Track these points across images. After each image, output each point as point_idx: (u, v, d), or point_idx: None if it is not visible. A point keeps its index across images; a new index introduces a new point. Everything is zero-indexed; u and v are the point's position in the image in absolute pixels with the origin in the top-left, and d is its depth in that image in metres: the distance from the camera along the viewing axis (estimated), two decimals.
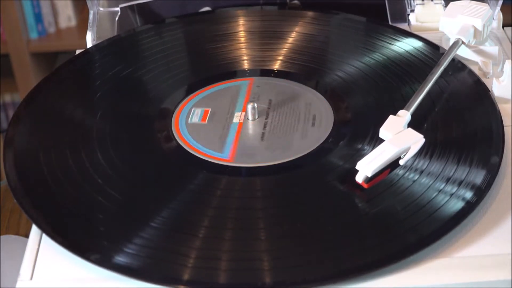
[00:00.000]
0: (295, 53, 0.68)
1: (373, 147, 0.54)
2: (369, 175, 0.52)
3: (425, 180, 0.52)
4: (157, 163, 0.56)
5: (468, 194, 0.51)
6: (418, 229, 0.48)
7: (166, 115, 0.61)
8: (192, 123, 0.60)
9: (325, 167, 0.55)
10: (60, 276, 0.48)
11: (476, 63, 0.66)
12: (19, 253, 0.51)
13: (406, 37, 0.68)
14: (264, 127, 0.59)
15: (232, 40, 0.70)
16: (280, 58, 0.67)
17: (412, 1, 0.75)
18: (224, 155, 0.56)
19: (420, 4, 0.74)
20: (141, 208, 0.51)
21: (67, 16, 1.67)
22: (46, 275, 0.48)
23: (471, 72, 0.63)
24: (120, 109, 0.62)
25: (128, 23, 0.76)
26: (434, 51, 0.66)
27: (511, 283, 0.46)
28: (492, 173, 0.52)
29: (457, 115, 0.59)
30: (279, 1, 0.77)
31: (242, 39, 0.70)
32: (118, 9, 0.74)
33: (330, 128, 0.58)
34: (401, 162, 0.53)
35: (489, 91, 0.61)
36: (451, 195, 0.51)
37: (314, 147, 0.57)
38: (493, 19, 0.70)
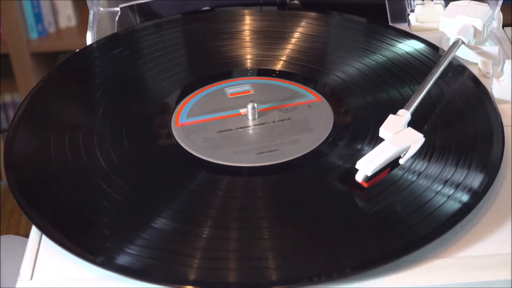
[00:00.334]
0: (295, 53, 0.68)
1: (373, 147, 0.54)
2: (369, 174, 0.52)
3: (425, 179, 0.52)
4: (157, 163, 0.56)
5: (468, 194, 0.51)
6: (417, 228, 0.48)
7: (167, 114, 0.61)
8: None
9: (325, 167, 0.55)
10: (60, 276, 0.48)
11: (476, 63, 0.66)
12: (19, 253, 0.51)
13: (406, 38, 0.68)
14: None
15: (232, 39, 0.70)
16: (280, 58, 0.67)
17: (412, 1, 0.75)
18: None
19: (420, 4, 0.74)
20: (141, 208, 0.51)
21: (67, 16, 1.67)
22: (46, 275, 0.48)
23: (470, 73, 0.63)
24: (120, 108, 0.62)
25: (128, 23, 0.76)
26: (434, 52, 0.66)
27: (511, 283, 0.46)
28: (492, 173, 0.52)
29: (457, 115, 0.59)
30: (279, 1, 0.77)
31: (242, 39, 0.70)
32: (118, 9, 0.74)
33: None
34: (401, 161, 0.54)
35: (488, 91, 0.61)
36: (451, 194, 0.51)
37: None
38: (493, 19, 0.70)
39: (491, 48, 0.67)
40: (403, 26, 0.73)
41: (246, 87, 0.64)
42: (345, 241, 0.48)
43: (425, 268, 0.47)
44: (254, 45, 0.69)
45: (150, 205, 0.51)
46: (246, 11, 0.74)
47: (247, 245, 0.48)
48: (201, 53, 0.69)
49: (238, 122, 0.60)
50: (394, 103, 0.60)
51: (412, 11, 0.75)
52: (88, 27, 0.72)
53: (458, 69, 0.64)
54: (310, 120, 0.59)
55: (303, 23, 0.72)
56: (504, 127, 0.57)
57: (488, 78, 0.64)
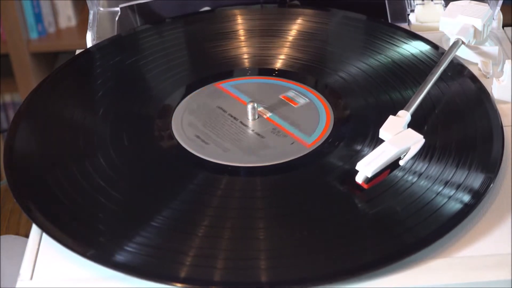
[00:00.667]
0: (295, 52, 0.68)
1: (373, 148, 0.54)
2: (369, 175, 0.52)
3: (425, 180, 0.52)
4: (158, 162, 0.56)
5: (468, 195, 0.51)
6: (417, 230, 0.48)
7: (167, 114, 0.61)
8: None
9: (325, 168, 0.55)
10: (60, 276, 0.48)
11: (476, 63, 0.66)
12: (19, 253, 0.51)
13: (406, 37, 0.68)
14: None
15: (232, 39, 0.70)
16: (280, 57, 0.67)
17: (412, 1, 0.75)
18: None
19: (420, 4, 0.74)
20: (141, 207, 0.51)
21: (67, 16, 1.67)
22: (46, 275, 0.48)
23: (470, 73, 0.63)
24: (121, 108, 0.62)
25: (128, 23, 0.76)
26: (434, 51, 0.66)
27: (511, 283, 0.46)
28: (492, 173, 0.52)
29: (457, 115, 0.59)
30: (279, 1, 0.77)
31: (242, 38, 0.70)
32: (118, 9, 0.74)
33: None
34: (401, 162, 0.53)
35: (488, 91, 0.61)
36: (451, 195, 0.51)
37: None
38: (493, 19, 0.70)
39: (491, 48, 0.67)
40: (403, 26, 0.73)
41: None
42: (345, 242, 0.48)
43: (425, 268, 0.47)
44: (254, 44, 0.69)
45: (150, 204, 0.51)
46: (246, 11, 0.74)
47: (246, 245, 0.48)
48: (201, 54, 0.69)
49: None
50: (395, 103, 0.60)
51: (412, 11, 0.75)
52: (88, 27, 0.72)
53: (458, 68, 0.63)
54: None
55: (303, 22, 0.72)
56: (504, 127, 0.57)
57: (488, 78, 0.64)
